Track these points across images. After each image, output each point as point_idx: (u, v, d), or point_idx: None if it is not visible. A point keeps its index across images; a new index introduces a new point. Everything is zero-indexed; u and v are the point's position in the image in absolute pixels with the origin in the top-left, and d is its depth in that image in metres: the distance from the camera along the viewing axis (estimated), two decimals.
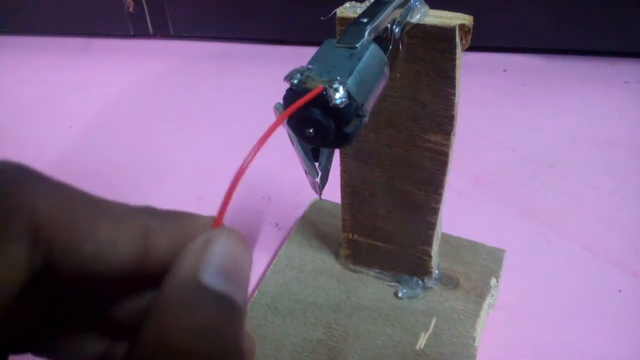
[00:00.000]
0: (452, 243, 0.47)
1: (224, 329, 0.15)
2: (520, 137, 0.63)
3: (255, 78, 0.75)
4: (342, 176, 0.40)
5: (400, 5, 0.29)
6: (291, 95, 0.22)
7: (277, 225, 0.53)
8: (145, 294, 0.19)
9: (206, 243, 0.16)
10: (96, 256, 0.16)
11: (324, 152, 0.34)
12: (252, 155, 0.17)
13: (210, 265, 0.15)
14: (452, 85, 0.32)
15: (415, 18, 0.30)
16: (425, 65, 0.32)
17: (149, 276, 0.18)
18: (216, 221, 0.17)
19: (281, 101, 0.23)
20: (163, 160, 0.63)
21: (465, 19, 0.30)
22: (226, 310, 0.15)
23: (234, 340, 0.15)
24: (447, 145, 0.35)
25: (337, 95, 0.22)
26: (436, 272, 0.43)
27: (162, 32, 0.86)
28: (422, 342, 0.40)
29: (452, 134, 0.35)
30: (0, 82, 0.81)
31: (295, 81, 0.23)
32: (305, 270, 0.46)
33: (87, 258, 0.16)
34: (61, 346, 0.19)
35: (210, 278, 0.15)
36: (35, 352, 0.19)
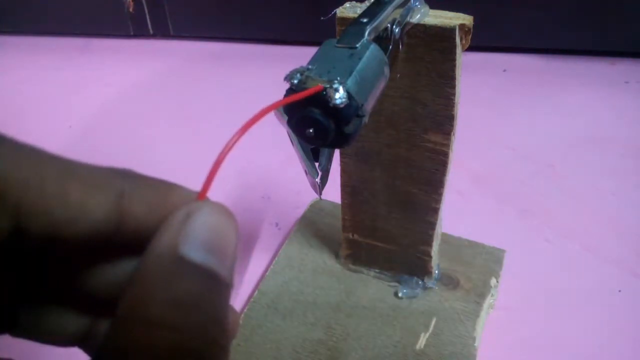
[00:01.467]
0: (452, 243, 0.47)
1: (205, 303, 0.15)
2: (520, 137, 0.63)
3: (255, 78, 0.75)
4: (342, 176, 0.40)
5: (400, 5, 0.29)
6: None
7: (277, 225, 0.53)
8: (124, 264, 0.19)
9: (189, 214, 0.15)
10: (67, 220, 0.15)
11: (324, 152, 0.34)
12: (239, 134, 0.17)
13: (192, 237, 0.15)
14: (452, 85, 0.32)
15: (415, 18, 0.30)
16: (425, 65, 0.32)
17: (126, 243, 0.17)
18: (200, 194, 0.17)
19: None
20: (163, 160, 0.63)
21: (465, 19, 0.30)
22: (208, 284, 0.15)
23: (215, 314, 0.15)
24: (447, 145, 0.35)
25: (337, 95, 0.22)
26: (436, 272, 0.43)
27: (162, 32, 0.86)
28: (422, 342, 0.40)
29: (452, 134, 0.35)
30: (0, 82, 0.81)
31: (295, 81, 0.23)
32: (305, 270, 0.46)
33: (58, 223, 0.15)
34: (40, 325, 0.19)
35: (192, 251, 0.15)
36: (12, 333, 0.18)
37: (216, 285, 0.15)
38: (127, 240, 0.17)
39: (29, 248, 0.16)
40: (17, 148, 0.15)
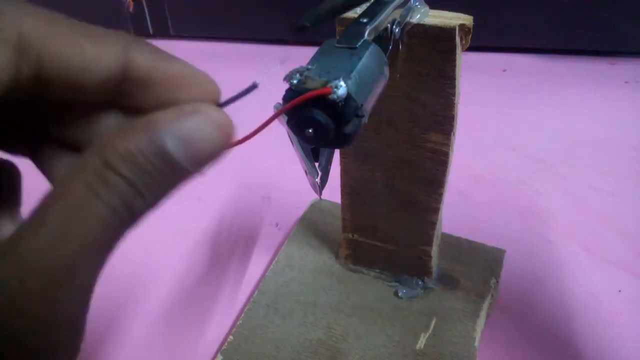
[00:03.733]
0: (452, 243, 0.47)
1: (156, 177, 0.17)
2: (520, 137, 0.63)
3: (255, 78, 0.75)
4: (342, 176, 0.40)
5: (400, 5, 0.29)
6: (290, 96, 0.22)
7: (277, 225, 0.53)
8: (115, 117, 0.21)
9: (192, 112, 0.18)
10: (82, 69, 0.18)
11: (324, 152, 0.34)
12: (252, 134, 0.18)
13: (177, 129, 0.17)
14: (452, 85, 0.32)
15: (415, 18, 0.30)
16: (425, 65, 0.32)
17: (127, 105, 0.20)
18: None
19: (281, 101, 0.23)
20: None
21: (465, 19, 0.30)
22: (164, 166, 0.17)
23: (159, 188, 0.18)
24: (447, 145, 0.35)
25: (337, 95, 0.22)
26: (436, 272, 0.43)
27: (162, 32, 0.86)
28: (422, 342, 0.40)
29: (452, 134, 0.35)
30: None
31: (295, 81, 0.23)
32: (305, 270, 0.46)
33: (74, 71, 0.18)
34: (50, 160, 0.22)
35: (169, 138, 0.17)
36: (33, 160, 0.21)
37: (171, 171, 0.18)
38: (129, 99, 0.20)
39: (48, 96, 0.18)
40: (35, 8, 0.18)
